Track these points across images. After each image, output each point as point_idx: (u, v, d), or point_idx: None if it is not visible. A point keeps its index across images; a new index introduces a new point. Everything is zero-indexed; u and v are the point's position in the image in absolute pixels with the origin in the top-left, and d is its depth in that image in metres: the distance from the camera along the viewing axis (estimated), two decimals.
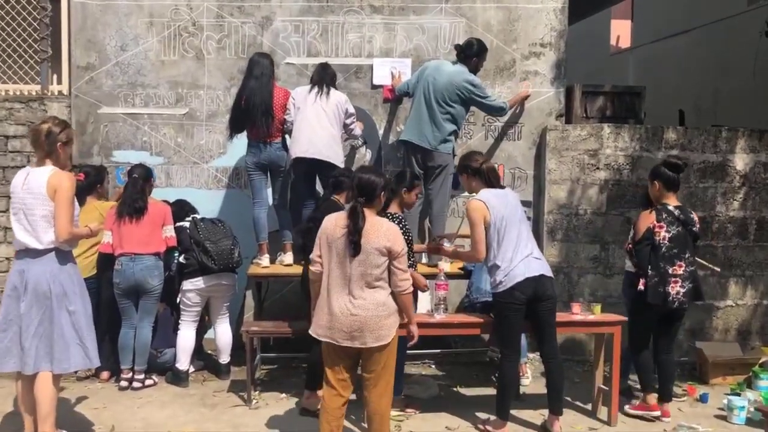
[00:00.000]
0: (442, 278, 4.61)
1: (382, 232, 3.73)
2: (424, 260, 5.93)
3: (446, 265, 5.66)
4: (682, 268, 4.69)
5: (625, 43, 16.20)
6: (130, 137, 6.42)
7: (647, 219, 4.78)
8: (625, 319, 4.89)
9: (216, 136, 6.37)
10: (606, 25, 16.50)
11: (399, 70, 6.33)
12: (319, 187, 5.83)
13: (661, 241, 4.70)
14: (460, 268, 5.75)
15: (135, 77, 6.39)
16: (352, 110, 5.76)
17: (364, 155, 6.45)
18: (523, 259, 4.36)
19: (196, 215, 5.73)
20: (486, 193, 4.47)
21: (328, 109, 5.60)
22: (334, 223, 3.80)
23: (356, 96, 6.36)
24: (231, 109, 5.84)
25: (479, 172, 4.53)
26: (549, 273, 4.47)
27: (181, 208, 5.75)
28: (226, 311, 5.69)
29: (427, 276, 5.05)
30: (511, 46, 6.41)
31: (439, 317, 4.60)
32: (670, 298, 4.69)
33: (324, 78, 5.72)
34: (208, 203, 6.32)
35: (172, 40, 6.39)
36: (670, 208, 4.75)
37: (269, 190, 5.87)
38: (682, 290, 4.70)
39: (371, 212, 3.80)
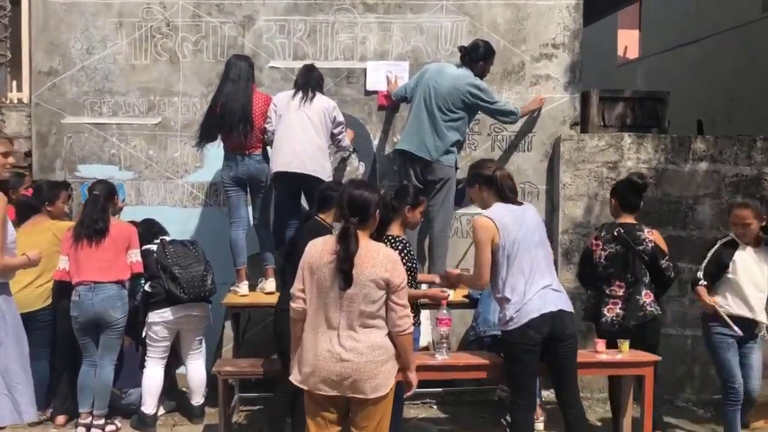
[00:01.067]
0: (445, 312, 3.92)
1: (378, 260, 3.09)
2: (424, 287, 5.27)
3: (449, 293, 5.00)
4: (622, 290, 4.37)
5: (633, 53, 15.68)
6: (96, 150, 5.78)
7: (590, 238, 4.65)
8: (658, 358, 4.20)
9: (192, 148, 5.70)
10: (612, 35, 15.97)
11: (395, 75, 5.69)
12: (305, 204, 5.16)
13: (597, 261, 4.44)
14: (465, 296, 5.08)
15: (102, 83, 5.76)
16: (340, 118, 5.12)
17: (357, 168, 5.80)
18: (538, 291, 3.63)
19: (165, 237, 5.06)
20: (497, 209, 3.72)
21: (314, 117, 4.96)
22: (320, 249, 3.14)
23: (348, 103, 5.73)
24: (204, 115, 5.20)
25: (492, 182, 3.78)
26: (569, 308, 3.74)
27: (148, 229, 5.07)
28: (199, 346, 5.00)
29: (428, 308, 4.37)
30: (519, 47, 5.77)
31: (441, 358, 3.91)
32: (603, 319, 4.40)
33: (309, 81, 5.08)
34: (183, 223, 5.68)
35: (144, 42, 5.77)
36: (616, 227, 4.44)
37: (249, 208, 5.21)
38: (622, 312, 4.38)
39: (365, 235, 3.15)
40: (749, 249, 4.38)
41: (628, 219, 4.45)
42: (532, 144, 5.80)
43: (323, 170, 4.92)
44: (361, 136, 5.75)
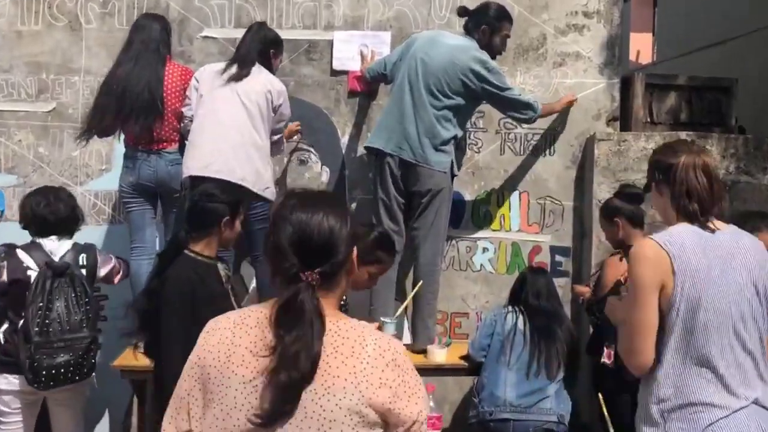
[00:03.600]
0: (432, 407, 2.41)
1: (365, 363, 1.51)
2: (407, 341, 3.78)
3: (439, 353, 3.52)
4: None
5: (646, 58, 14.40)
6: None
7: (616, 268, 3.35)
8: None
9: (97, 145, 4.19)
10: (625, 39, 14.72)
11: (372, 50, 4.21)
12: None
13: None
14: (462, 357, 3.60)
15: None
16: (287, 111, 3.64)
17: (319, 177, 4.30)
18: (745, 405, 2.02)
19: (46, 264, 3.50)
20: (679, 231, 2.15)
21: (251, 101, 3.48)
22: (231, 341, 1.55)
23: (308, 87, 4.25)
24: (95, 96, 3.72)
25: (669, 175, 2.19)
26: None
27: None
28: (75, 429, 3.45)
29: None
30: (539, 15, 4.29)
31: None
32: None
33: (251, 50, 3.61)
34: None
35: (35, 1, 4.29)
36: None
37: (154, 227, 3.71)
38: None
39: (331, 304, 1.59)
40: None
41: (641, 238, 3.11)
42: (555, 145, 4.30)
43: (258, 178, 3.44)
44: (324, 132, 4.26)
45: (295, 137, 4.13)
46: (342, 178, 4.28)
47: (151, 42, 3.63)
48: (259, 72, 3.56)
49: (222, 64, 3.61)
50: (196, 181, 3.36)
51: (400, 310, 3.43)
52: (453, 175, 3.82)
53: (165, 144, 3.60)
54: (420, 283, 3.60)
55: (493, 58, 3.81)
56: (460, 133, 3.81)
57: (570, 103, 4.19)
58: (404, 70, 3.76)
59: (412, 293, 3.54)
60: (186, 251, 2.67)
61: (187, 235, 2.69)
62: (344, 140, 4.28)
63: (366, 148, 3.89)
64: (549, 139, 4.30)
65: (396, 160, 3.71)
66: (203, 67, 3.67)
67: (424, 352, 3.66)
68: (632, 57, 14.66)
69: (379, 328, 3.21)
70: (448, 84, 3.68)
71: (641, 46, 14.66)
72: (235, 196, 2.84)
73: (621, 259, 3.36)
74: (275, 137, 3.62)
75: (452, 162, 3.77)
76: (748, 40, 10.44)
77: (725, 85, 4.42)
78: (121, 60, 3.62)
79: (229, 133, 3.41)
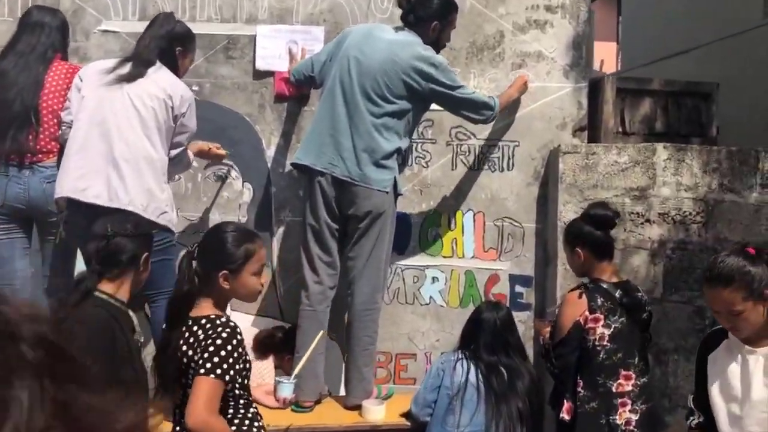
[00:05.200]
0: None
1: None
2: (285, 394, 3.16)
3: (376, 411, 2.93)
4: (632, 381, 2.78)
5: (611, 67, 14.10)
6: None
7: (574, 307, 2.82)
8: None
9: None
10: (591, 39, 14.45)
11: (303, 47, 3.60)
12: None
13: (597, 343, 2.75)
14: (404, 415, 3.00)
15: None
16: (191, 123, 3.00)
17: (240, 195, 3.66)
18: None
19: None
20: None
21: (145, 106, 2.84)
22: None
23: (226, 90, 3.63)
24: None
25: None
26: None
27: None
28: None
29: None
30: (495, 9, 3.74)
31: None
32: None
33: (151, 47, 2.98)
34: None
35: None
36: (606, 286, 2.83)
37: (26, 260, 3.04)
38: (634, 417, 2.76)
39: None
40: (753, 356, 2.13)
41: (609, 271, 2.90)
42: (515, 159, 3.74)
43: (151, 200, 2.79)
44: (246, 142, 3.64)
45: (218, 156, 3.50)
46: (267, 197, 3.65)
47: (38, 45, 3.01)
48: (159, 73, 2.93)
49: (112, 61, 2.97)
50: (70, 205, 2.71)
51: (299, 367, 2.80)
52: (397, 195, 3.22)
53: (41, 156, 2.95)
54: (321, 333, 2.98)
55: (437, 53, 3.24)
56: (405, 145, 3.22)
57: (525, 84, 3.63)
58: (335, 71, 3.16)
59: (313, 345, 2.90)
60: (96, 293, 2.10)
61: (97, 275, 2.16)
62: (270, 152, 3.66)
63: (293, 165, 3.27)
64: (507, 151, 3.74)
65: (328, 179, 3.11)
66: (90, 64, 3.02)
67: (358, 408, 3.05)
68: (596, 66, 14.37)
69: (275, 390, 2.63)
70: (388, 86, 3.09)
71: (605, 55, 14.36)
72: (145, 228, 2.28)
73: (581, 296, 2.79)
74: (174, 152, 2.98)
75: (395, 179, 3.18)
76: (721, 45, 10.12)
77: (705, 90, 3.92)
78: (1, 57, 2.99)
79: (114, 144, 2.77)
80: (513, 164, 3.73)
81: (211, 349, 1.97)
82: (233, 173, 3.64)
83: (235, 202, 3.64)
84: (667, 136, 3.84)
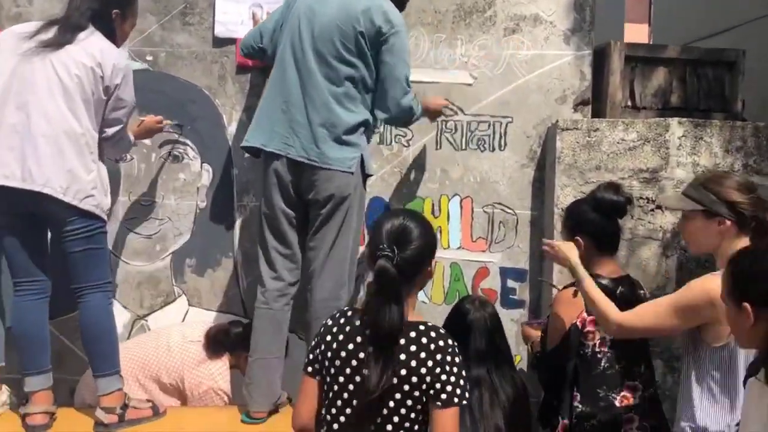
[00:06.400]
0: None
1: None
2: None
3: None
4: (638, 393, 2.39)
5: None
6: None
7: (569, 307, 2.44)
8: None
9: None
10: (619, 29, 13.79)
11: (267, 11, 3.21)
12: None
13: (597, 349, 2.37)
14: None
15: None
16: (127, 95, 2.63)
17: (199, 177, 3.30)
18: None
19: None
20: None
21: (69, 75, 2.49)
22: None
23: (183, 60, 3.26)
24: None
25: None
26: None
27: None
28: None
29: None
30: None
31: None
32: None
33: (82, 8, 2.61)
34: None
35: None
36: (605, 283, 2.41)
37: None
38: None
39: None
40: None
41: (610, 266, 2.51)
42: (507, 137, 3.30)
43: (73, 181, 2.45)
44: (205, 118, 3.27)
45: (166, 130, 3.14)
46: (228, 180, 3.28)
47: None
48: (90, 38, 2.56)
49: (34, 24, 2.61)
50: None
51: None
52: (365, 176, 2.82)
53: None
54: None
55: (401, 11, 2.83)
56: (371, 117, 2.80)
57: (440, 111, 3.17)
58: (286, 37, 2.76)
59: None
60: None
61: None
62: (231, 129, 3.28)
63: (243, 148, 2.87)
64: (499, 129, 3.30)
65: (283, 161, 2.72)
66: (7, 29, 2.67)
67: None
68: None
69: None
70: (344, 44, 2.67)
71: (637, 38, 13.74)
72: None
73: (576, 294, 2.36)
74: (111, 130, 2.61)
75: (362, 157, 2.77)
76: (759, 25, 9.52)
77: (729, 58, 3.42)
78: None
79: (31, 118, 2.42)
80: (505, 143, 3.30)
81: None
82: (191, 153, 3.27)
83: (192, 185, 3.27)
84: (684, 110, 3.37)
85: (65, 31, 2.56)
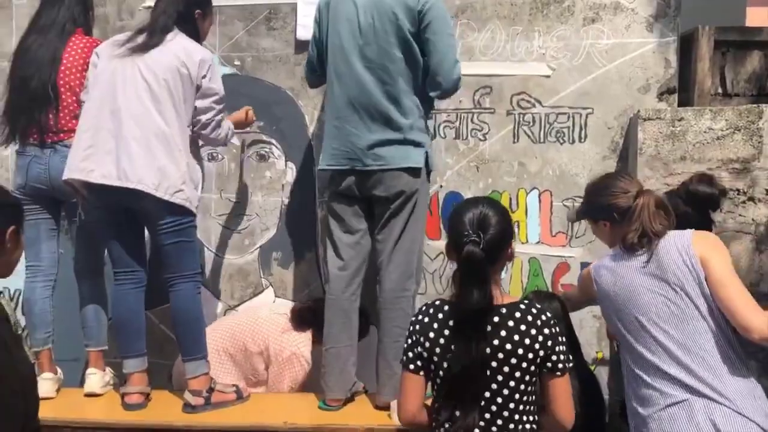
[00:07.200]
0: None
1: None
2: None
3: None
4: None
5: None
6: None
7: None
8: None
9: None
10: (740, 14, 12.93)
11: None
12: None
13: None
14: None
15: None
16: (215, 84, 2.79)
17: (283, 175, 3.45)
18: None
19: None
20: None
21: (156, 78, 2.67)
22: None
23: (268, 63, 3.42)
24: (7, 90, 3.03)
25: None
26: None
27: None
28: None
29: None
30: None
31: None
32: None
33: (168, 13, 2.80)
34: None
35: None
36: None
37: (54, 241, 3.00)
38: None
39: None
40: None
41: None
42: (588, 129, 3.24)
43: (163, 178, 2.62)
44: (289, 119, 3.41)
45: (250, 127, 3.31)
46: (311, 177, 3.41)
47: (58, 19, 2.94)
48: (175, 39, 2.75)
49: (128, 33, 2.84)
50: (85, 185, 2.65)
51: None
52: (429, 170, 2.84)
53: (62, 135, 2.87)
54: None
55: None
56: (426, 106, 2.80)
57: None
58: (330, 54, 2.79)
59: None
60: None
61: None
62: (313, 129, 3.41)
63: (320, 171, 2.95)
64: (579, 120, 3.24)
65: (351, 175, 2.79)
66: (109, 40, 2.91)
67: (387, 407, 2.72)
68: None
69: None
70: (387, 40, 2.67)
71: (761, 22, 12.85)
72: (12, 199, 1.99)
73: None
74: (205, 117, 2.76)
75: (427, 155, 2.79)
76: None
77: None
78: (21, 42, 2.96)
79: (123, 122, 2.63)
80: (586, 135, 3.23)
81: None
82: (275, 152, 3.43)
83: (278, 182, 3.43)
84: None
85: (152, 34, 2.75)
